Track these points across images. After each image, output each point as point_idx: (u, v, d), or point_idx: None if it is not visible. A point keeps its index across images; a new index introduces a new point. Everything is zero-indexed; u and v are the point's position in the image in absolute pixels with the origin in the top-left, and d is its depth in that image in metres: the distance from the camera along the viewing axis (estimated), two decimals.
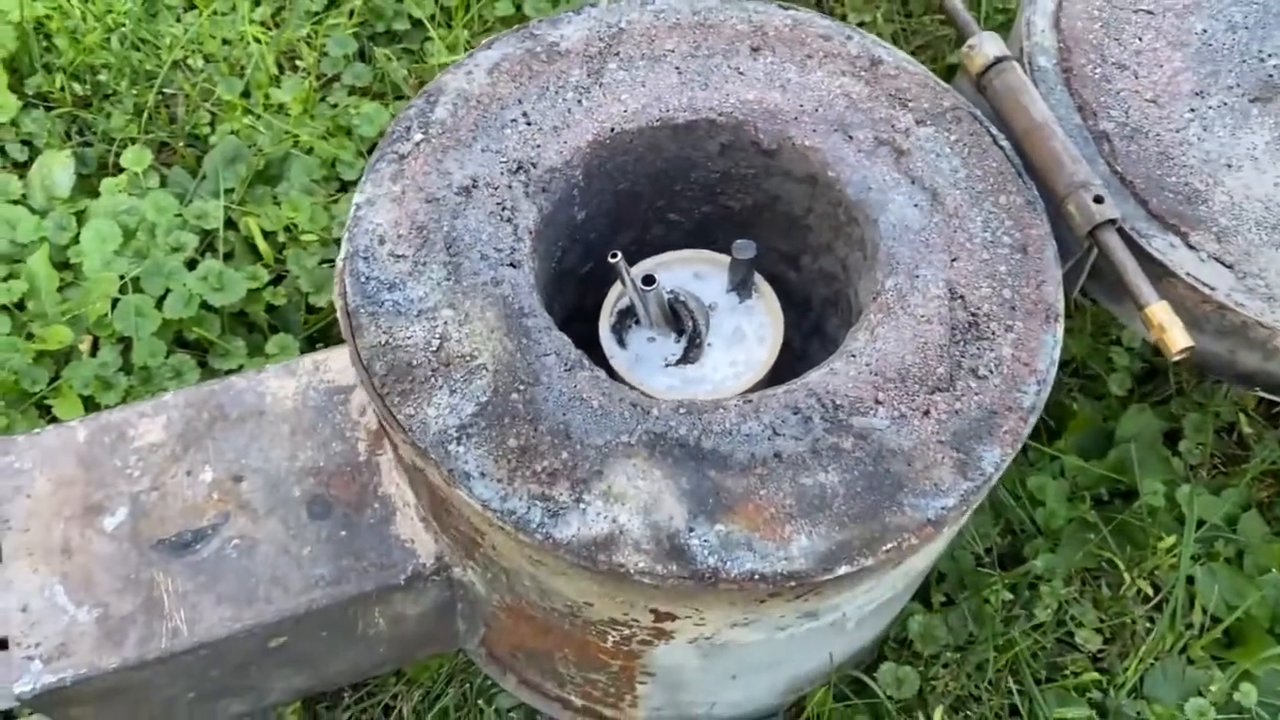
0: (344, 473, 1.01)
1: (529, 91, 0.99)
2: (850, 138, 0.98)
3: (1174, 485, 1.23)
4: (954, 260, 0.91)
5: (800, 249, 1.08)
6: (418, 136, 0.96)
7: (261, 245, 1.38)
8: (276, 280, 1.38)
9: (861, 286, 0.95)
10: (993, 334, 0.88)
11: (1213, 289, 0.93)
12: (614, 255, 0.92)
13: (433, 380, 0.84)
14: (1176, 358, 0.88)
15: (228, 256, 1.39)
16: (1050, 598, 1.17)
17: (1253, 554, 1.20)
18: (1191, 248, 0.95)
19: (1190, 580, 1.18)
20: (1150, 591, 1.18)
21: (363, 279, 0.88)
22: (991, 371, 0.87)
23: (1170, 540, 1.18)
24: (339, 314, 0.88)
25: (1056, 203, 0.95)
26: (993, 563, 1.22)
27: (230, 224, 1.41)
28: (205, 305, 1.32)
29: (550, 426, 0.83)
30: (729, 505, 0.80)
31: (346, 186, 1.45)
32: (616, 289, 1.03)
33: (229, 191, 1.43)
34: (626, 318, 1.01)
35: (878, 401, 0.85)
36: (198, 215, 1.40)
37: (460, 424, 0.82)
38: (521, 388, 0.84)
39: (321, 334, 1.35)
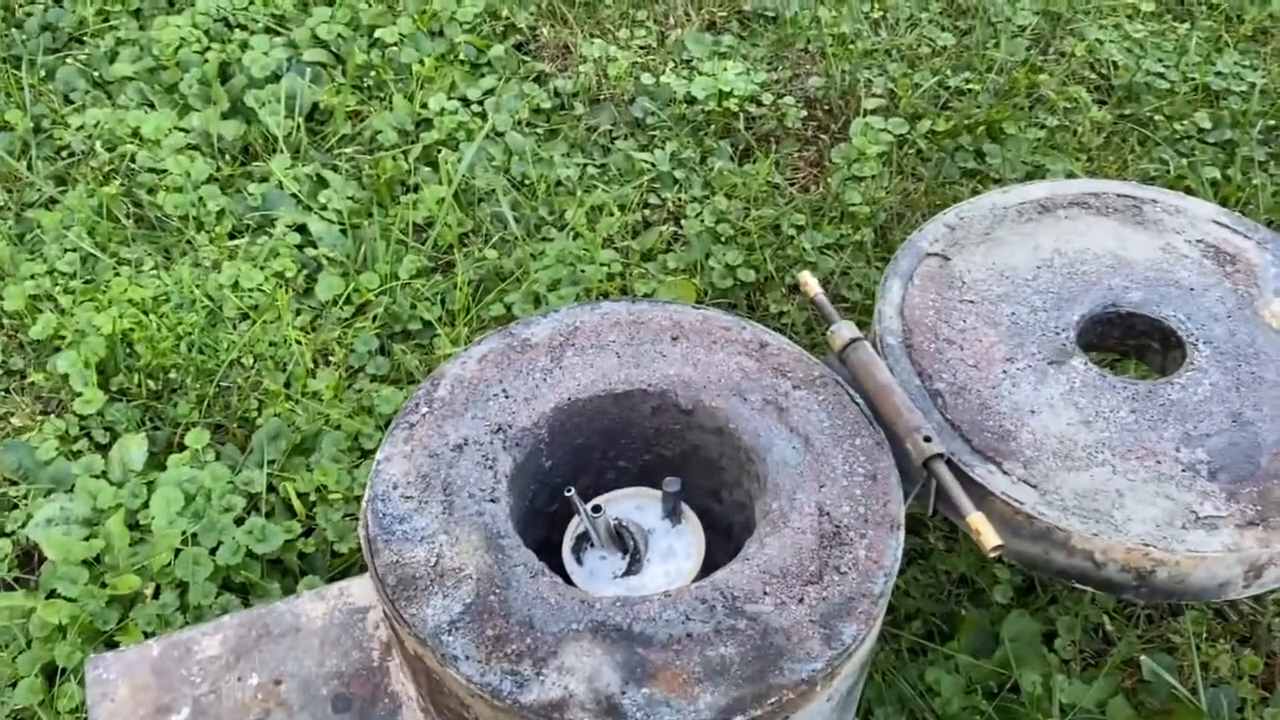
0: (361, 675, 1.28)
1: (508, 374, 1.33)
2: (745, 399, 1.31)
3: (1050, 677, 1.48)
4: (822, 486, 1.22)
5: (719, 485, 1.39)
6: (424, 410, 1.29)
7: (296, 504, 1.69)
8: (308, 533, 1.69)
9: (757, 507, 1.26)
10: (851, 541, 1.18)
11: (1022, 503, 1.23)
12: (568, 490, 1.23)
13: (431, 588, 1.13)
14: (991, 553, 1.17)
15: (269, 514, 1.70)
16: None
17: None
18: (1005, 473, 1.26)
19: None
20: None
21: (380, 515, 1.19)
22: (850, 569, 1.15)
23: None
24: (361, 541, 1.18)
25: (899, 443, 1.26)
26: None
27: (271, 488, 1.73)
28: (249, 554, 1.61)
29: (519, 619, 1.11)
30: (652, 673, 1.07)
31: (367, 454, 1.78)
32: (575, 522, 1.33)
33: (271, 462, 1.76)
34: (583, 541, 1.30)
35: (765, 592, 1.13)
36: (245, 482, 1.72)
37: (451, 620, 1.11)
38: (498, 591, 1.13)
39: (342, 574, 1.64)
